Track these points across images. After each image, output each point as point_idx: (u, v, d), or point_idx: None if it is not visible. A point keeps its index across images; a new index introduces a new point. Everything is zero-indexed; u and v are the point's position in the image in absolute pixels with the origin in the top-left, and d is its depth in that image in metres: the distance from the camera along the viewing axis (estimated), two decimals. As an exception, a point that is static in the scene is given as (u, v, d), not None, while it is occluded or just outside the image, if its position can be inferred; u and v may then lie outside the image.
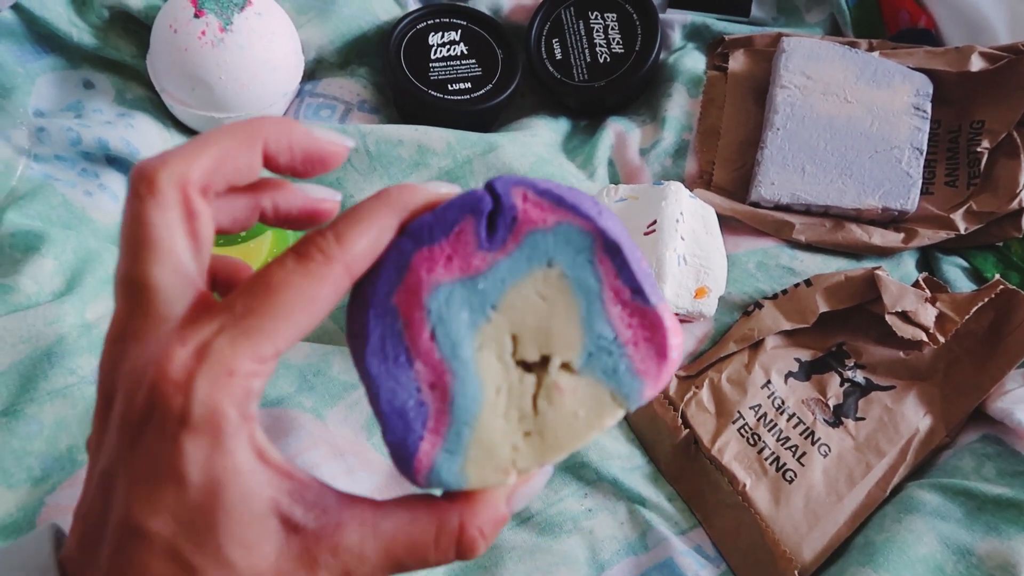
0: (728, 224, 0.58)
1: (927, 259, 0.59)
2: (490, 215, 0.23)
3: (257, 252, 0.52)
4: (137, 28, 0.60)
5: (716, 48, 0.65)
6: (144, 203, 0.21)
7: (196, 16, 0.55)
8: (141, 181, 0.21)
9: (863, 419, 0.51)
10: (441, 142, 0.58)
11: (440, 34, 0.63)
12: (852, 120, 0.59)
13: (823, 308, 0.52)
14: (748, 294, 0.56)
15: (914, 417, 0.51)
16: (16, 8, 0.57)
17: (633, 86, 0.63)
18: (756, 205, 0.59)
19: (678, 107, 0.62)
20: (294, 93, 0.62)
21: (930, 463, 0.51)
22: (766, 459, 0.49)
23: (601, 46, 0.63)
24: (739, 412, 0.51)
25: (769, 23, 0.68)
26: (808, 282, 0.55)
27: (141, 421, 0.20)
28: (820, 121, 0.59)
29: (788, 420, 0.51)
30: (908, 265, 0.58)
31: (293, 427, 0.47)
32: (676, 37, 0.66)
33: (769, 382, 0.52)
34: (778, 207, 0.59)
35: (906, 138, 0.58)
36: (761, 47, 0.64)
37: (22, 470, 0.45)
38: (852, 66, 0.59)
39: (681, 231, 0.50)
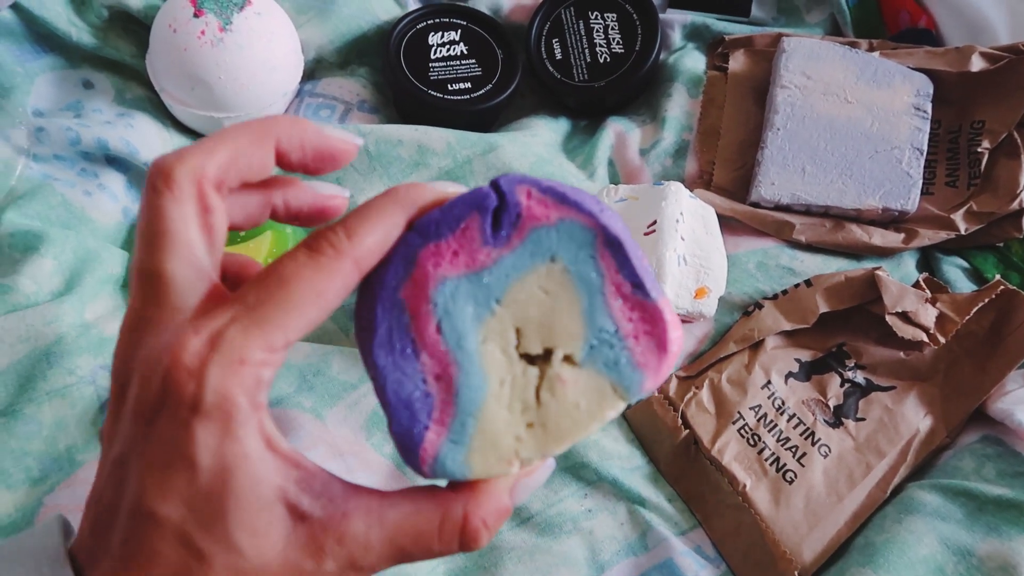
0: (728, 224, 0.58)
1: (927, 259, 0.59)
2: (495, 212, 0.23)
3: (256, 251, 0.52)
4: (136, 28, 0.60)
5: (716, 48, 0.65)
6: (161, 197, 0.22)
7: (195, 16, 0.55)
8: (159, 176, 0.22)
9: (863, 420, 0.51)
10: (441, 142, 0.57)
11: (440, 34, 0.62)
12: (852, 120, 0.59)
13: (823, 308, 0.52)
14: (748, 294, 0.56)
15: (914, 418, 0.51)
16: (15, 7, 0.57)
17: (633, 86, 0.63)
18: (756, 205, 0.59)
19: (678, 107, 0.62)
20: (294, 93, 0.62)
21: (930, 464, 0.51)
22: (766, 460, 0.49)
23: (601, 46, 0.63)
24: (739, 412, 0.51)
25: (769, 23, 0.68)
26: (808, 282, 0.55)
27: (155, 408, 0.21)
28: (820, 121, 0.59)
29: (788, 421, 0.51)
30: (908, 265, 0.57)
31: (292, 427, 0.47)
32: (676, 37, 0.66)
33: (769, 382, 0.52)
34: (778, 207, 0.59)
35: (906, 138, 0.58)
36: (761, 47, 0.64)
37: (20, 470, 0.45)
38: (852, 66, 0.59)
39: (681, 231, 0.50)
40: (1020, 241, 0.58)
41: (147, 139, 0.56)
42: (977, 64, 0.59)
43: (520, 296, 0.23)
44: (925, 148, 0.58)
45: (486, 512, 0.24)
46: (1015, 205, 0.56)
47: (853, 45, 0.63)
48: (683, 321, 0.53)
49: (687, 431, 0.50)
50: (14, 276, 0.48)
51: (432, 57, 0.62)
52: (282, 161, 0.24)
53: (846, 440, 0.50)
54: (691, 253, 0.50)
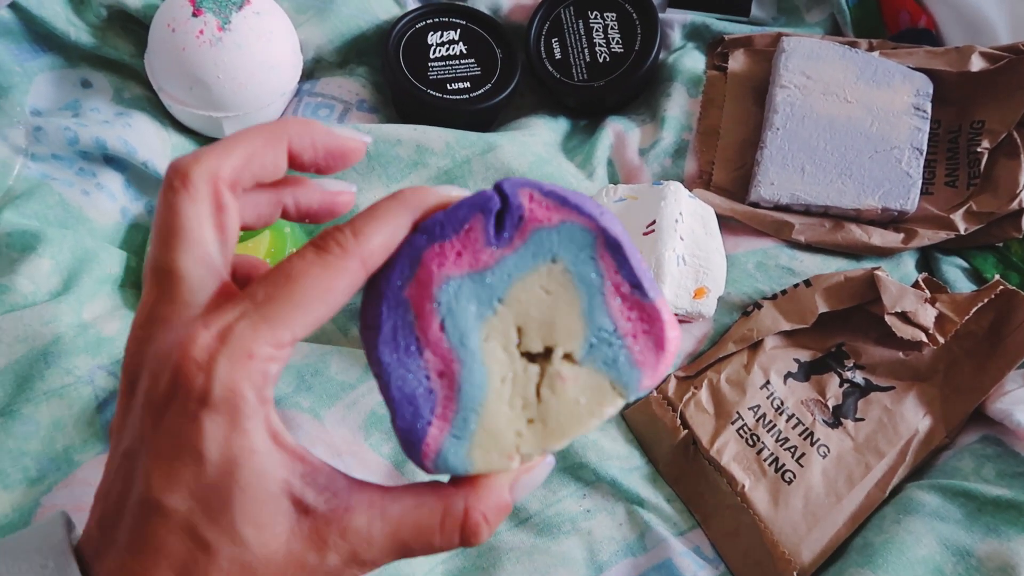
0: (727, 224, 0.58)
1: (927, 259, 0.59)
2: (498, 214, 0.24)
3: (255, 250, 0.52)
4: (135, 27, 0.60)
5: (716, 48, 0.65)
6: (177, 195, 0.23)
7: (194, 15, 0.55)
8: (176, 175, 0.23)
9: (862, 420, 0.51)
10: (440, 142, 0.57)
11: (439, 33, 0.62)
12: (852, 120, 0.58)
13: (822, 308, 0.52)
14: (747, 294, 0.56)
15: (913, 418, 0.50)
16: (14, 7, 0.57)
17: (633, 86, 0.63)
18: (755, 205, 0.59)
19: (678, 107, 0.62)
20: (292, 92, 0.61)
21: (929, 464, 0.51)
22: (765, 460, 0.49)
23: (600, 46, 0.63)
24: (738, 413, 0.51)
25: (769, 23, 0.68)
26: (807, 282, 0.55)
27: (165, 401, 0.21)
28: (820, 121, 0.59)
29: (787, 421, 0.51)
30: (908, 265, 0.57)
31: (291, 427, 0.47)
32: (676, 37, 0.66)
33: (768, 383, 0.52)
34: (778, 207, 0.59)
35: (906, 138, 0.58)
36: (761, 47, 0.64)
37: (18, 470, 0.45)
38: (852, 66, 0.59)
39: (680, 231, 0.50)
40: (1020, 241, 0.58)
41: (145, 139, 0.56)
42: (977, 64, 0.59)
43: (522, 296, 0.24)
44: (925, 148, 0.58)
45: (487, 507, 0.24)
46: (1015, 205, 0.55)
47: (853, 45, 0.63)
48: (682, 321, 0.53)
49: (686, 431, 0.50)
50: (12, 276, 0.48)
51: (431, 57, 0.61)
52: (294, 162, 0.25)
53: (845, 440, 0.50)
54: (690, 253, 0.50)
